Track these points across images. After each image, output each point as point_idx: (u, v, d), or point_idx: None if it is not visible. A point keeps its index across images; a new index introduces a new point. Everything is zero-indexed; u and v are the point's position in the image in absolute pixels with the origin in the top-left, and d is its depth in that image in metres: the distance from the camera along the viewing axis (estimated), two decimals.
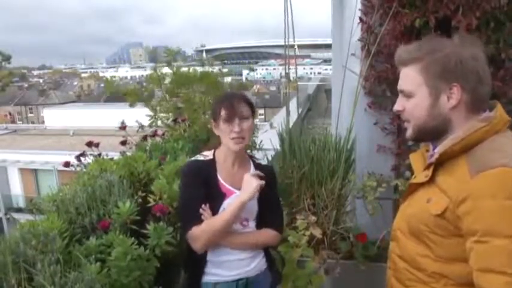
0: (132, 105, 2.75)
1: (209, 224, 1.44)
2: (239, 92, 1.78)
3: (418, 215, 1.13)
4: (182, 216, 1.53)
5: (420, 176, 1.16)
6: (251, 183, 1.46)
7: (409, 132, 1.17)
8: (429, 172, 1.11)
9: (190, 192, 1.50)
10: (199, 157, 1.60)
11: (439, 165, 1.10)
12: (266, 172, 1.62)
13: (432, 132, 1.13)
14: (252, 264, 1.57)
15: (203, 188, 1.49)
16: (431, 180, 1.11)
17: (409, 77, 1.12)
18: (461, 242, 1.00)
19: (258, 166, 1.65)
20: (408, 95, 1.13)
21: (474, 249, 0.96)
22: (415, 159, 1.26)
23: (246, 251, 1.55)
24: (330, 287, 2.13)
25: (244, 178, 1.49)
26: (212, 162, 1.57)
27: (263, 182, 1.47)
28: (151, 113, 2.73)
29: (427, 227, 1.09)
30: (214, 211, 1.49)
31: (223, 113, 1.49)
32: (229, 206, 1.47)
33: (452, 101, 1.06)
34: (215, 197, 1.51)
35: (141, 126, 2.50)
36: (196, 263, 1.53)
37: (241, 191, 1.47)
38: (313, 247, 2.16)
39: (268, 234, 1.60)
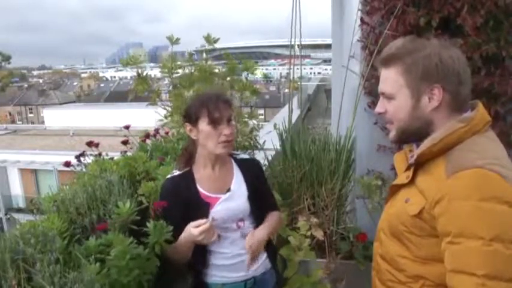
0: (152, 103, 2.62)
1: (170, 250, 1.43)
2: (218, 91, 1.71)
3: (397, 215, 1.13)
4: None
5: (401, 177, 1.17)
6: (195, 237, 1.39)
7: (392, 134, 1.17)
8: (410, 173, 1.12)
9: (166, 217, 1.43)
10: (175, 172, 1.55)
11: (419, 165, 1.10)
12: (251, 166, 1.62)
13: (415, 134, 1.13)
14: (258, 262, 1.56)
15: (183, 206, 1.44)
16: (411, 181, 1.11)
17: (390, 79, 1.11)
18: (438, 242, 1.00)
19: (240, 161, 1.61)
20: (389, 97, 1.12)
21: (447, 250, 0.96)
22: (398, 160, 1.26)
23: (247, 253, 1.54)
24: (330, 287, 2.13)
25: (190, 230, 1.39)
26: (189, 174, 1.51)
27: (205, 226, 1.38)
28: (164, 110, 2.64)
29: (405, 227, 1.10)
30: None
31: (210, 115, 1.42)
32: (188, 236, 1.41)
33: (434, 102, 1.06)
34: (199, 209, 1.46)
35: (157, 130, 2.44)
36: (200, 265, 1.52)
37: (188, 234, 1.40)
38: (314, 247, 2.16)
39: (277, 216, 1.66)
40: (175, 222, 1.40)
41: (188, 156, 1.54)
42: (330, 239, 2.27)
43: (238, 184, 1.55)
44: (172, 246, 1.42)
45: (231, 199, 1.51)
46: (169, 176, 1.55)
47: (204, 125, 1.44)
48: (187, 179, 1.50)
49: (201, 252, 1.50)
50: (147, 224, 1.37)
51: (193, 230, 1.38)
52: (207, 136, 1.44)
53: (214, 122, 1.43)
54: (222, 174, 1.54)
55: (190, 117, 1.47)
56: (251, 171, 1.60)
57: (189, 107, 1.50)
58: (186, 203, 1.46)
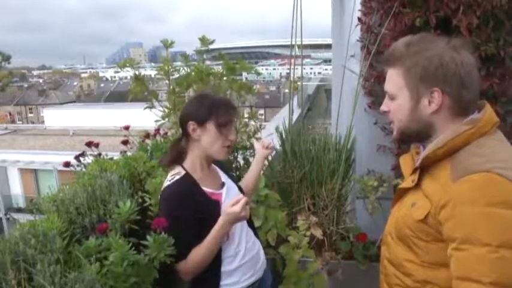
0: (149, 106, 2.57)
1: (193, 260, 1.38)
2: (225, 96, 1.74)
3: (404, 220, 1.12)
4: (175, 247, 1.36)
5: (407, 180, 1.15)
6: (238, 214, 1.33)
7: (394, 134, 1.16)
8: (415, 177, 1.10)
9: (180, 226, 1.36)
10: (176, 176, 1.44)
11: (424, 169, 1.08)
12: (219, 163, 1.65)
13: (415, 135, 1.11)
14: (260, 260, 1.59)
15: (195, 210, 1.39)
16: (417, 185, 1.10)
17: (392, 79, 1.11)
18: (445, 247, 0.98)
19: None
20: (392, 97, 1.12)
21: (453, 256, 0.94)
22: (405, 162, 1.24)
23: (253, 248, 1.56)
24: (330, 287, 2.13)
25: (229, 211, 1.34)
26: (189, 177, 1.46)
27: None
28: (162, 110, 2.62)
29: (411, 232, 1.08)
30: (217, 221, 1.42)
31: (220, 118, 1.42)
32: (215, 232, 1.37)
33: (433, 106, 1.04)
34: (211, 209, 1.43)
35: (157, 130, 2.41)
36: (209, 277, 1.46)
37: (227, 217, 1.35)
38: (314, 247, 2.16)
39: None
40: (190, 227, 1.35)
41: (177, 154, 1.50)
42: (330, 239, 2.28)
43: (226, 179, 1.60)
44: (203, 247, 1.37)
45: (229, 192, 1.54)
46: (169, 182, 1.43)
47: (212, 127, 1.43)
48: (190, 182, 1.45)
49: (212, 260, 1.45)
50: (147, 237, 1.30)
51: (235, 207, 1.33)
52: (213, 139, 1.44)
53: (222, 126, 1.43)
54: (213, 172, 1.57)
55: (198, 116, 1.44)
56: (223, 167, 1.66)
57: (198, 106, 1.46)
58: (196, 205, 1.41)
